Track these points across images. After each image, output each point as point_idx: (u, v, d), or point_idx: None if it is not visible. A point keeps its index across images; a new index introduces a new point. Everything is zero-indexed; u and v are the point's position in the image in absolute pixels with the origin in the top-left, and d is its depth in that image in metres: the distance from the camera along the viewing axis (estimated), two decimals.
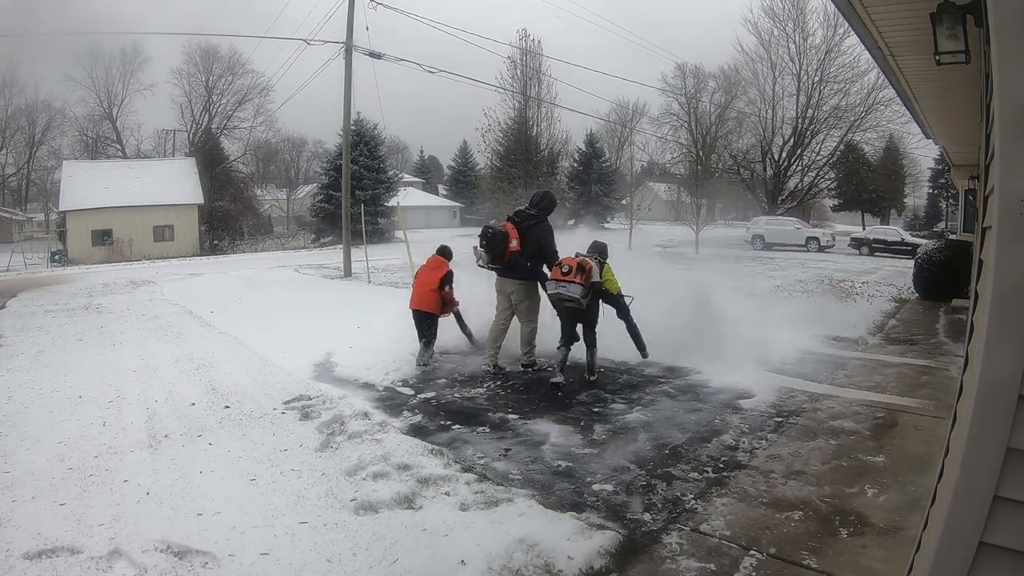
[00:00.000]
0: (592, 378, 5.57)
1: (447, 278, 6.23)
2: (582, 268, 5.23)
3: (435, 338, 6.31)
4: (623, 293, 5.65)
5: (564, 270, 5.26)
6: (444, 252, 6.52)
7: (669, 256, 21.05)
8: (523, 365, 5.97)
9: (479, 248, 5.78)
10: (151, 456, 3.98)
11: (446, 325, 6.56)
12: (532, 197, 6.02)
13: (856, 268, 17.81)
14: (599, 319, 5.58)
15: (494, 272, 5.91)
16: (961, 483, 1.49)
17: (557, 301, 5.36)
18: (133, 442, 4.22)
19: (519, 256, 5.69)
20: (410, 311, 6.30)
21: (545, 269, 5.73)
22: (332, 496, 3.39)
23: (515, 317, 5.97)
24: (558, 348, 5.50)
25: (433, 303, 6.19)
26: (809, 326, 7.92)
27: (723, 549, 2.80)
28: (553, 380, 5.34)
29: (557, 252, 5.73)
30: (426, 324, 6.21)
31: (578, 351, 5.63)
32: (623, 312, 5.67)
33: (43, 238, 33.88)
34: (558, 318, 5.59)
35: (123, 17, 49.23)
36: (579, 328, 5.54)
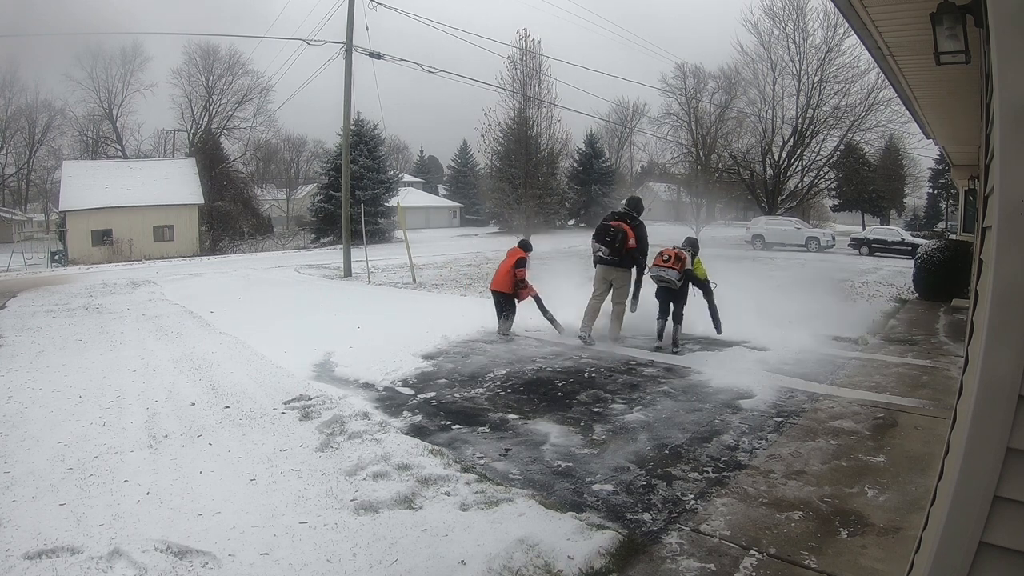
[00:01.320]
0: (675, 350, 6.70)
1: (519, 261, 7.57)
2: (679, 258, 6.69)
3: (514, 313, 7.71)
4: (709, 279, 7.01)
5: (664, 258, 6.71)
6: (524, 245, 7.93)
7: None
8: (612, 339, 7.04)
9: (597, 243, 6.95)
10: (151, 456, 3.99)
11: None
12: (629, 202, 7.30)
13: (856, 268, 17.81)
14: (687, 301, 6.90)
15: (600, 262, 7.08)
16: (961, 483, 1.49)
17: (657, 281, 6.77)
18: (133, 442, 4.22)
19: (635, 251, 6.90)
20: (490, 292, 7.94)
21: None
22: (332, 496, 3.39)
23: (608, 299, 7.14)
24: (657, 320, 6.98)
25: (508, 284, 7.56)
26: (809, 326, 7.93)
27: (723, 549, 2.80)
28: (655, 345, 6.86)
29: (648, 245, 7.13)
30: (503, 301, 7.64)
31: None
32: (708, 294, 7.01)
33: (43, 238, 33.88)
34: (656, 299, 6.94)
35: (123, 17, 49.26)
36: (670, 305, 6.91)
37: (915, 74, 5.77)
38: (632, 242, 6.82)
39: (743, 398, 5.01)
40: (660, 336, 6.93)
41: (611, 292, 7.06)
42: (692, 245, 7.11)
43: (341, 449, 4.04)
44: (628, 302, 7.00)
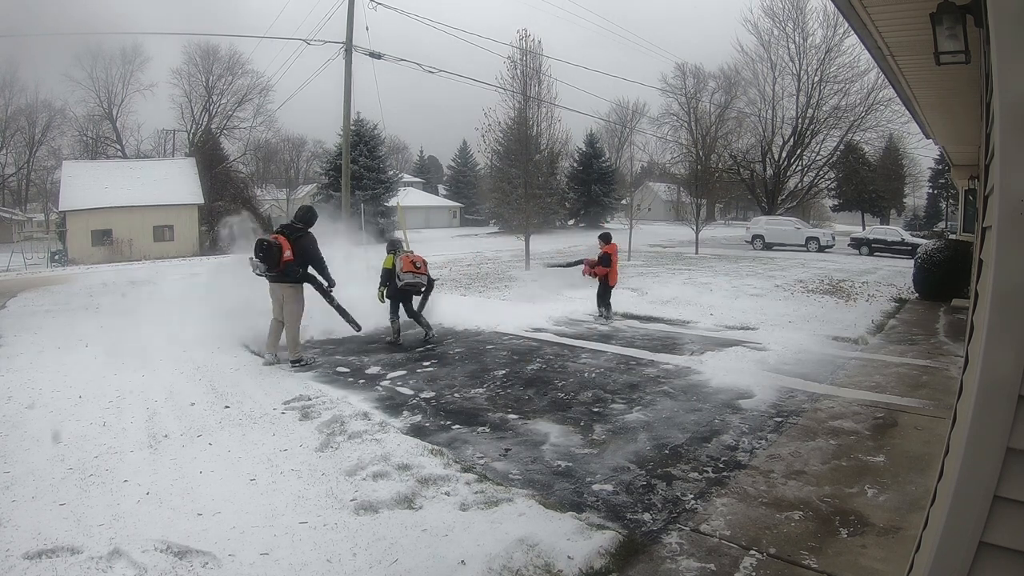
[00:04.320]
0: (429, 334, 7.47)
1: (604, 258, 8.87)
2: (425, 262, 7.23)
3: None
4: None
5: (417, 265, 7.08)
6: (604, 236, 9.06)
7: (670, 256, 21.06)
8: (292, 362, 6.34)
9: (253, 259, 6.29)
10: (151, 456, 3.99)
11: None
12: (296, 212, 6.65)
13: (856, 268, 17.80)
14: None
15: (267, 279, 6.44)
16: (961, 483, 1.49)
17: (411, 287, 7.15)
18: (133, 442, 4.22)
19: (291, 264, 6.27)
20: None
21: (312, 271, 6.47)
22: (332, 496, 3.39)
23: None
24: (394, 319, 7.33)
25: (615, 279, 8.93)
26: (809, 326, 7.94)
27: (723, 549, 2.80)
28: (387, 340, 7.28)
29: (323, 259, 6.49)
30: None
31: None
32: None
33: (43, 238, 33.80)
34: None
35: (123, 17, 49.21)
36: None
37: (915, 74, 5.76)
38: (288, 255, 6.19)
39: (743, 398, 5.01)
40: (397, 334, 7.29)
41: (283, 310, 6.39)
42: (393, 245, 7.41)
43: (341, 449, 4.04)
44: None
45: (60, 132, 42.27)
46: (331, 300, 6.66)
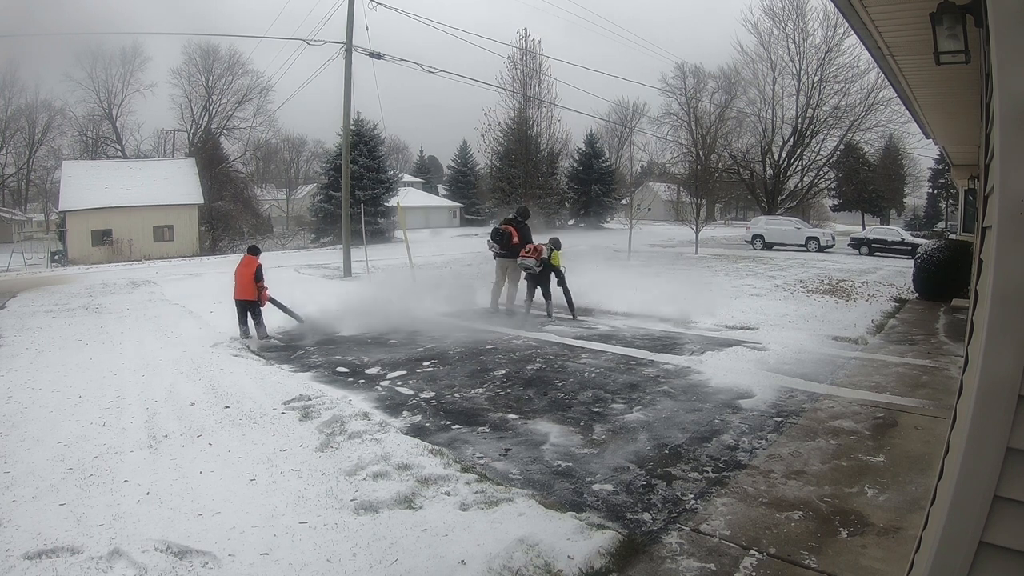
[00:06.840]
0: (550, 318, 8.73)
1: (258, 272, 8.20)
2: (536, 249, 8.71)
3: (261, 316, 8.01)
4: (562, 268, 8.84)
5: (526, 251, 8.78)
6: (253, 251, 8.34)
7: (670, 256, 21.07)
8: (506, 308, 9.17)
9: (490, 240, 9.24)
10: (151, 456, 3.99)
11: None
12: (518, 210, 9.69)
13: (856, 268, 17.79)
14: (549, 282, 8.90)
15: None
16: (961, 483, 1.49)
17: (522, 268, 8.89)
18: (133, 442, 4.22)
19: (518, 245, 8.99)
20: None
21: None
22: (332, 496, 3.39)
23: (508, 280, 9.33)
24: (525, 300, 9.04)
25: (251, 292, 8.02)
26: (809, 326, 7.95)
27: (723, 549, 2.80)
28: (533, 312, 8.90)
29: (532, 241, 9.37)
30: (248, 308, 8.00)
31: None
32: (561, 280, 8.80)
33: (43, 238, 33.83)
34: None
35: (123, 17, 49.22)
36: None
37: (915, 74, 5.76)
38: (516, 239, 8.97)
39: (743, 398, 5.01)
40: (527, 310, 8.85)
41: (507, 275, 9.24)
42: (553, 243, 8.92)
43: (341, 449, 4.04)
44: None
45: (60, 132, 42.26)
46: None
